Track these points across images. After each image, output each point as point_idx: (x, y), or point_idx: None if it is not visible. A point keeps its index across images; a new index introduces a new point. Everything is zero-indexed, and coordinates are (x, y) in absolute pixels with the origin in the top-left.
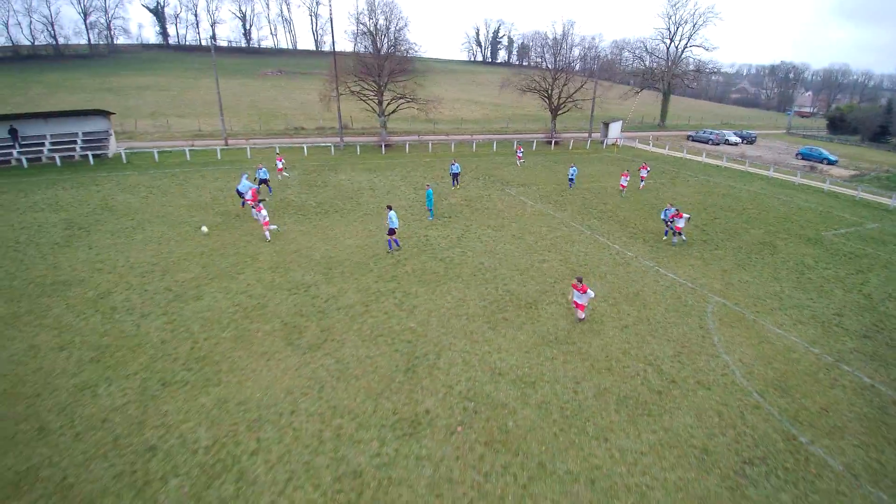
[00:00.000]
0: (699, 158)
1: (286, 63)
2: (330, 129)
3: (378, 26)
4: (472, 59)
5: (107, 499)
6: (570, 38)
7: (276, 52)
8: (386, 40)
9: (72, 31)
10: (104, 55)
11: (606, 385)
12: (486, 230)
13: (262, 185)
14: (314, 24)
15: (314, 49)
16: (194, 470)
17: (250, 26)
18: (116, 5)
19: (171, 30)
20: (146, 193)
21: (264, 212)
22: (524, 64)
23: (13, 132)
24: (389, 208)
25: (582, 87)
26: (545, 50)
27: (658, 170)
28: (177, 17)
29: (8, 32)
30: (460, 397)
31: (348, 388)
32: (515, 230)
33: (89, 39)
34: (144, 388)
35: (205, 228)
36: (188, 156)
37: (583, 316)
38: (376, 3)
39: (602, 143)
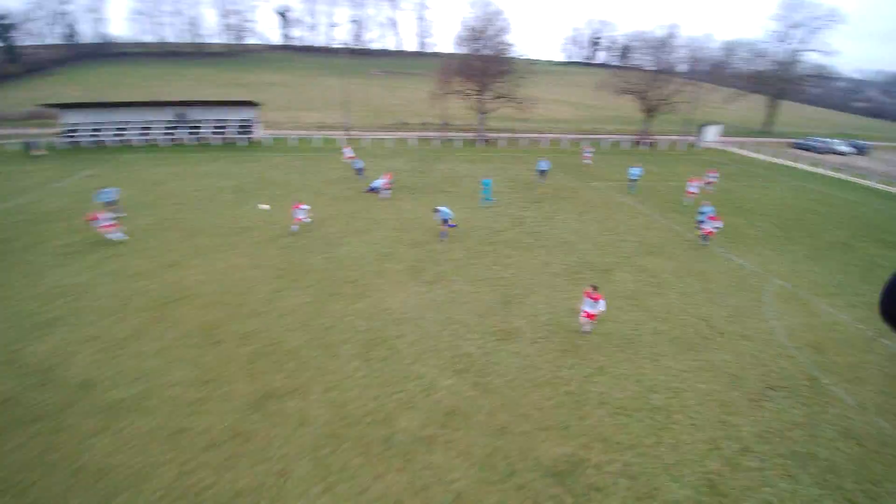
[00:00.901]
0: (796, 164)
1: (391, 64)
2: (433, 125)
3: (481, 30)
4: (571, 60)
5: (303, 350)
6: (674, 39)
7: (383, 54)
8: (489, 43)
9: (211, 32)
10: (236, 54)
11: (662, 329)
12: (571, 214)
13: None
14: (419, 28)
15: (418, 51)
16: (359, 341)
17: (362, 30)
18: (250, 10)
19: (294, 32)
20: (289, 170)
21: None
22: (623, 66)
23: (181, 116)
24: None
25: (682, 90)
26: (647, 52)
27: (749, 174)
28: (298, 20)
29: (156, 31)
30: (543, 322)
31: (459, 309)
32: (597, 216)
33: (227, 40)
34: (317, 295)
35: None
36: (317, 143)
37: (588, 329)
38: (481, 8)
39: (696, 145)
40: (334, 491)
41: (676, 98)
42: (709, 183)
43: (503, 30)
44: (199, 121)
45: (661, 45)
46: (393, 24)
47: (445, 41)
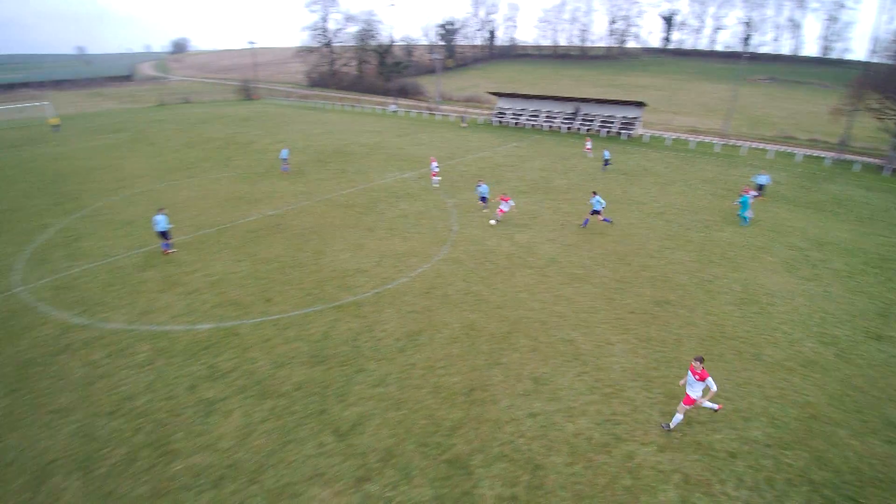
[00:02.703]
0: None
1: (779, 70)
2: (823, 143)
3: None
4: None
5: (688, 286)
6: None
7: (771, 59)
8: None
9: (597, 36)
10: (615, 57)
11: None
12: None
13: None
14: (824, 31)
15: (818, 56)
16: (734, 296)
17: (752, 32)
18: (637, 14)
19: (675, 36)
20: (665, 165)
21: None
22: None
23: (577, 110)
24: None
25: None
26: None
27: None
28: (682, 23)
29: (552, 36)
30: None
31: (830, 304)
32: None
33: (608, 43)
34: (700, 259)
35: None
36: (692, 145)
37: (678, 420)
38: None
39: None
40: (711, 370)
41: None
42: None
43: None
44: (591, 115)
45: None
46: (795, 26)
47: (858, 48)
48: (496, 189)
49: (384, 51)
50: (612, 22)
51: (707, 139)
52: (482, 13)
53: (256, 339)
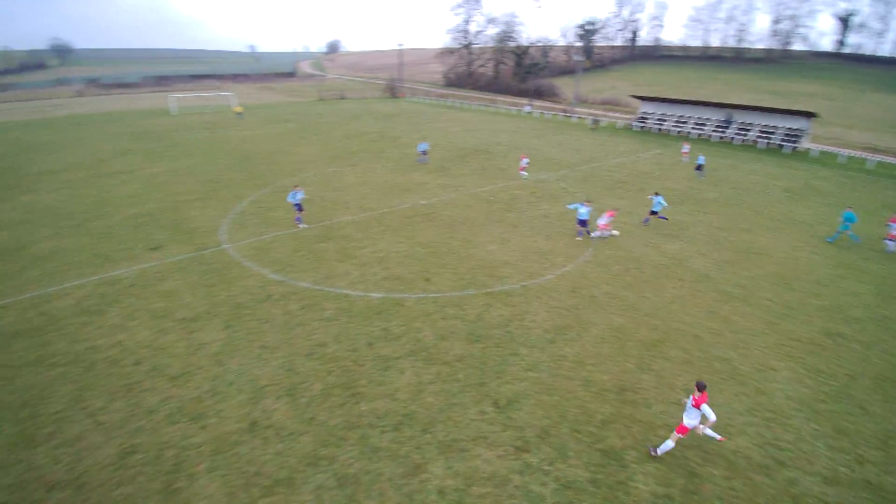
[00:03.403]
0: None
1: None
2: None
3: None
4: None
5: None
6: None
7: None
8: None
9: (756, 37)
10: (775, 60)
11: None
12: None
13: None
14: None
15: None
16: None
17: None
18: (807, 14)
19: (850, 39)
20: (836, 184)
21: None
22: None
23: (730, 117)
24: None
25: None
26: None
27: None
28: (861, 25)
29: (705, 37)
30: None
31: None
32: None
33: (767, 45)
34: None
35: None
36: (869, 164)
37: (668, 447)
38: None
39: None
40: (887, 414)
41: None
42: None
43: None
44: (748, 124)
45: None
46: None
47: None
48: (631, 202)
49: (522, 52)
50: (776, 22)
51: (889, 160)
52: (626, 13)
53: (419, 312)
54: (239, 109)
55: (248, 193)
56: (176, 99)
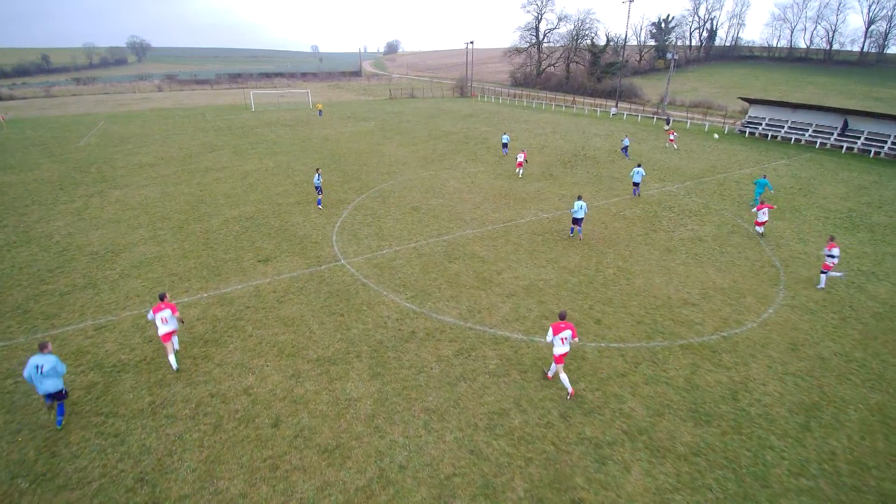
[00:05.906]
0: None
1: None
2: None
3: None
4: None
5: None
6: None
7: None
8: None
9: (848, 38)
10: (871, 63)
11: None
12: None
13: None
14: None
15: None
16: None
17: None
18: None
19: None
20: None
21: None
22: None
23: (845, 123)
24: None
25: None
26: None
27: None
28: None
29: (791, 37)
30: None
31: None
32: None
33: (862, 47)
34: None
35: None
36: None
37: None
38: None
39: None
40: None
41: None
42: None
43: None
44: (858, 131)
45: None
46: None
47: None
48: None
49: (599, 51)
50: (871, 22)
51: None
52: (702, 11)
53: (608, 369)
54: (320, 107)
55: (349, 197)
56: (253, 95)
